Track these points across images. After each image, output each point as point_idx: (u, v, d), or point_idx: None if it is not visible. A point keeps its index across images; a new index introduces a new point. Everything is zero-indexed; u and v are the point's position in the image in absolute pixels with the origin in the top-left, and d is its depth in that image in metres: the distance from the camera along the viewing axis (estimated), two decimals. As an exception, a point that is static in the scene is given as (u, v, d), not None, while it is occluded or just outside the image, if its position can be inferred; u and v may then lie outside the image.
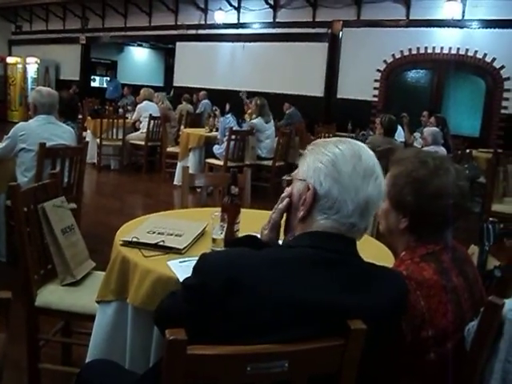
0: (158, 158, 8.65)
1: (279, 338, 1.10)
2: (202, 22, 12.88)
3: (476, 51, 9.14)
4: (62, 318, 2.45)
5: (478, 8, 9.05)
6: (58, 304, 2.24)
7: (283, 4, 11.52)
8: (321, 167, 1.23)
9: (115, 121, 8.07)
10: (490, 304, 1.29)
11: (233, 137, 6.56)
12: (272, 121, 7.41)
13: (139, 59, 19.00)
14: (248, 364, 1.08)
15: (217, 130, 7.31)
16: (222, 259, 1.18)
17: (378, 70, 10.21)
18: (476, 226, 2.21)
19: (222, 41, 12.58)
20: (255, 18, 12.01)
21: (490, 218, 2.12)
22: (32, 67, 15.92)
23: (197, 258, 1.22)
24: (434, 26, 9.49)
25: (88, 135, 8.18)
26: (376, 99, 10.31)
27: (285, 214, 1.40)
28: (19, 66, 15.95)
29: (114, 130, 8.04)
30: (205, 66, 12.77)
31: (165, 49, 18.27)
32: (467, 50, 9.22)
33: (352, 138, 5.21)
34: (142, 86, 9.56)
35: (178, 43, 13.75)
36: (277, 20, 11.66)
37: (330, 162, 1.23)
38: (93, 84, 17.21)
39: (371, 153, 1.28)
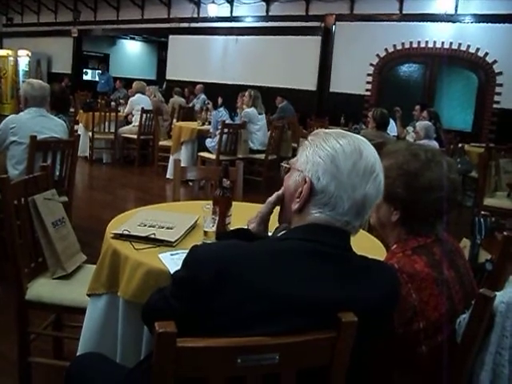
0: (151, 151, 8.61)
1: (270, 330, 1.09)
2: (195, 16, 12.84)
3: (469, 46, 9.18)
4: (52, 311, 2.44)
5: (471, 2, 9.09)
6: (48, 297, 2.23)
7: (276, -3, 11.50)
8: (319, 162, 1.21)
9: (107, 114, 8.03)
10: (481, 296, 1.30)
11: (225, 130, 6.56)
12: (264, 114, 7.41)
13: (132, 52, 18.94)
14: (238, 356, 1.07)
15: (209, 124, 7.31)
16: (212, 252, 1.17)
17: (371, 64, 10.22)
18: (468, 219, 2.21)
19: (214, 34, 12.54)
20: (248, 11, 11.98)
21: (482, 212, 2.12)
22: (23, 60, 15.81)
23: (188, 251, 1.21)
24: (426, 21, 9.51)
25: (80, 128, 8.15)
26: (369, 93, 10.33)
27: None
28: (10, 58, 15.78)
29: (106, 124, 8.01)
30: (197, 60, 12.73)
31: (157, 42, 18.23)
32: (460, 44, 9.26)
33: (345, 131, 5.20)
34: (135, 80, 9.46)
35: (170, 36, 13.71)
36: (270, 13, 11.64)
37: (330, 157, 1.20)
38: (85, 77, 17.15)
39: (373, 149, 1.25)
